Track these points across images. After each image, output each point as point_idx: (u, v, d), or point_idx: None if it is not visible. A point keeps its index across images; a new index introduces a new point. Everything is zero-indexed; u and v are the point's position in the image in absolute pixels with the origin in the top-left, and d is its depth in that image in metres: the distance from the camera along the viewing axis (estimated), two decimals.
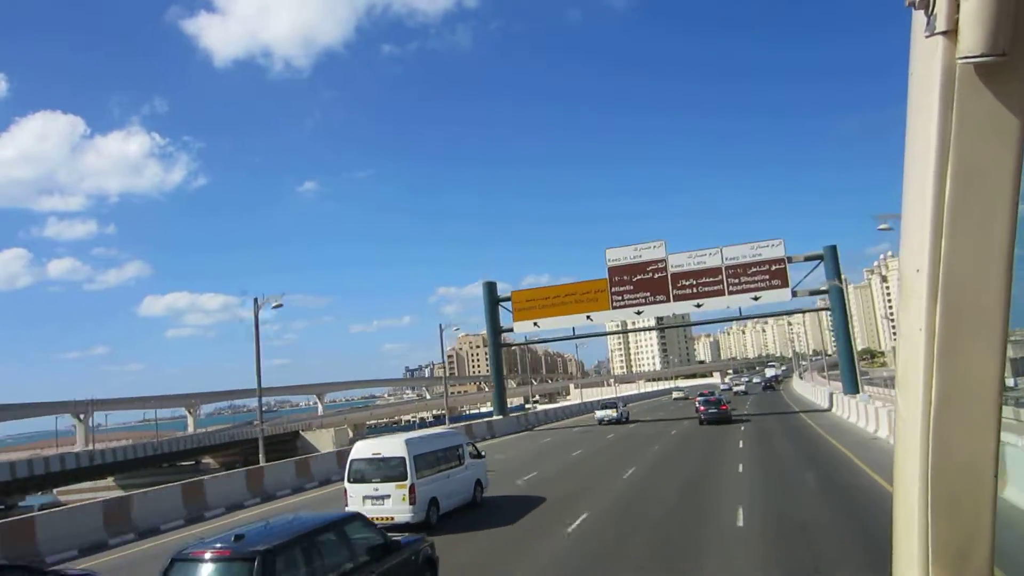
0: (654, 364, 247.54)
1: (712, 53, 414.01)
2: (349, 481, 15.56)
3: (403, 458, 15.20)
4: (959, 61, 1.24)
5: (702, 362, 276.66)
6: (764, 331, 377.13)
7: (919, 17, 1.29)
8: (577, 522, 15.03)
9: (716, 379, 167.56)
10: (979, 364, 1.36)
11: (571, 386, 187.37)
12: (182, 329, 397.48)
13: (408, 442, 15.77)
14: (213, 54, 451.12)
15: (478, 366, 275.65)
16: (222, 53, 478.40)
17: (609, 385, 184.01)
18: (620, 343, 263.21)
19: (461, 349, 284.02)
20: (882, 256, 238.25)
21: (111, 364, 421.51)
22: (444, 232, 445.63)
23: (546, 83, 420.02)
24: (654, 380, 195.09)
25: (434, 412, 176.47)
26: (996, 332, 1.34)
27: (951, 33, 1.24)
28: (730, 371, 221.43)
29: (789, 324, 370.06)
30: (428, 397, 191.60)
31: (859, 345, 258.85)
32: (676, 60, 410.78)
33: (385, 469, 15.26)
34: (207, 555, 7.61)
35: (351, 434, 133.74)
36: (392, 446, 15.79)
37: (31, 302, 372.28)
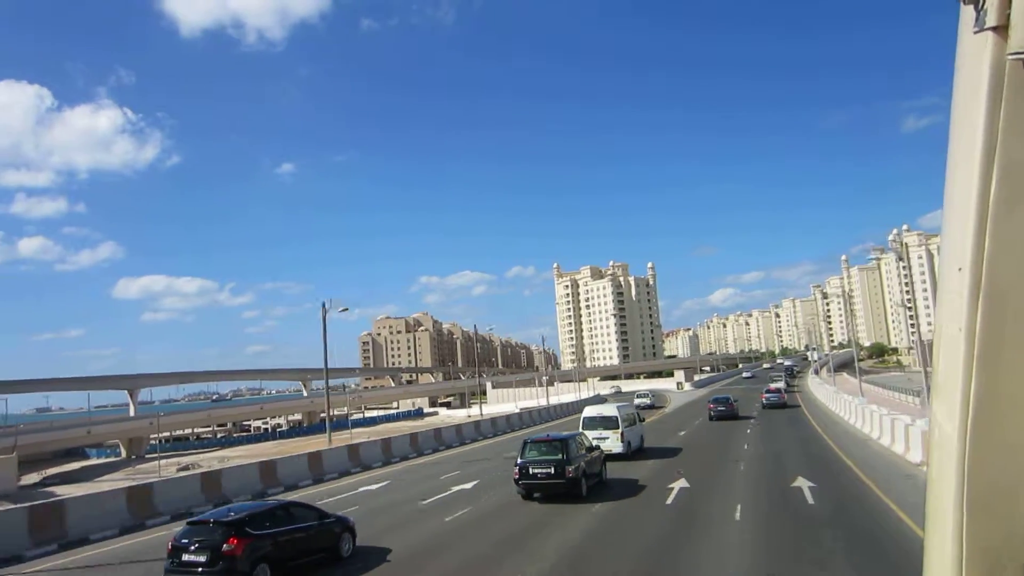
0: (611, 358, 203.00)
1: (719, 47, 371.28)
2: (582, 429, 26.33)
3: (616, 417, 27.81)
4: (1009, 58, 1.21)
5: (672, 357, 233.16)
6: (747, 324, 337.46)
7: (968, 12, 1.27)
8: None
9: (671, 383, 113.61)
10: (1021, 366, 1.32)
11: (488, 385, 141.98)
12: (158, 313, 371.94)
13: (618, 407, 29.07)
14: (179, 22, 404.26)
15: (399, 355, 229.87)
16: (189, 21, 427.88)
17: (543, 385, 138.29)
18: (571, 331, 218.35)
19: (379, 335, 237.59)
20: (895, 232, 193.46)
21: (87, 347, 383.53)
22: (426, 220, 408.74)
23: (531, 71, 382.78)
24: (610, 378, 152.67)
25: (289, 417, 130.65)
26: None
27: (1001, 29, 1.21)
28: (706, 368, 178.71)
29: (777, 316, 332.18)
30: (305, 394, 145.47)
31: (865, 340, 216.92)
32: (686, 55, 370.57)
33: (605, 423, 27.64)
34: (543, 438, 20.54)
35: (40, 476, 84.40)
36: (609, 410, 28.78)
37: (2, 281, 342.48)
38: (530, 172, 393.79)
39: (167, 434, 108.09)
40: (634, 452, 28.26)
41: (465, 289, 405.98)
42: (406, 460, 33.09)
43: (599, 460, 21.60)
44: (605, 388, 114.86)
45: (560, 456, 19.05)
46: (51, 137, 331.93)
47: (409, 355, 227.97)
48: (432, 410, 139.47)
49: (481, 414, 68.40)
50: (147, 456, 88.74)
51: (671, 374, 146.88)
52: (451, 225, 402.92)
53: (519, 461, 19.40)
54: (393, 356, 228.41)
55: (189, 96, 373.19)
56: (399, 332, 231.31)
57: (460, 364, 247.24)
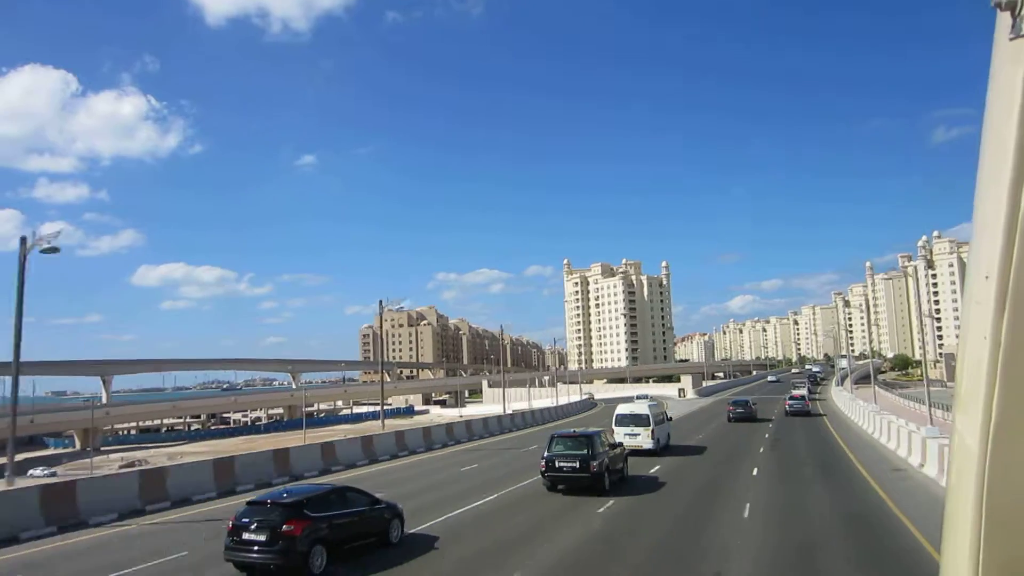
0: (619, 360, 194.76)
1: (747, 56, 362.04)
2: (615, 426, 29.31)
3: (647, 415, 29.76)
4: None
5: (684, 361, 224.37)
6: (765, 331, 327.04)
7: (1004, 19, 1.25)
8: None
9: (670, 389, 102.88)
10: None
11: (485, 384, 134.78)
12: (178, 301, 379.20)
13: (649, 406, 31.14)
14: (204, 10, 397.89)
15: (400, 350, 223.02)
16: (214, 10, 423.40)
17: (544, 385, 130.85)
18: (580, 331, 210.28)
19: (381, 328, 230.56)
20: (924, 238, 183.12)
21: (106, 333, 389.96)
22: (446, 216, 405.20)
23: (555, 70, 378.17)
24: (617, 380, 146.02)
25: (269, 411, 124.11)
26: None
27: None
28: (718, 374, 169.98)
29: (795, 323, 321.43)
30: (294, 387, 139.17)
31: (888, 352, 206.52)
32: (706, 62, 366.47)
33: (637, 420, 29.52)
34: (569, 433, 21.82)
35: None
36: (640, 407, 30.81)
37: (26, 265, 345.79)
38: (548, 170, 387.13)
39: (134, 424, 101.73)
40: (662, 448, 30.14)
41: (482, 287, 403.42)
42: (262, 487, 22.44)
43: (622, 456, 22.74)
44: (613, 391, 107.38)
45: (585, 451, 20.25)
46: (75, 123, 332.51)
47: (411, 350, 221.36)
48: (423, 408, 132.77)
49: (380, 427, 60.68)
50: (102, 448, 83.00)
51: (679, 379, 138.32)
52: (470, 221, 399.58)
53: (545, 455, 20.83)
54: (394, 350, 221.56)
55: (213, 85, 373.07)
56: (401, 326, 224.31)
57: (465, 361, 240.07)
